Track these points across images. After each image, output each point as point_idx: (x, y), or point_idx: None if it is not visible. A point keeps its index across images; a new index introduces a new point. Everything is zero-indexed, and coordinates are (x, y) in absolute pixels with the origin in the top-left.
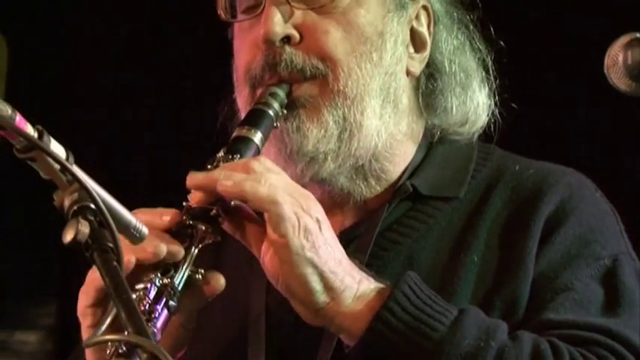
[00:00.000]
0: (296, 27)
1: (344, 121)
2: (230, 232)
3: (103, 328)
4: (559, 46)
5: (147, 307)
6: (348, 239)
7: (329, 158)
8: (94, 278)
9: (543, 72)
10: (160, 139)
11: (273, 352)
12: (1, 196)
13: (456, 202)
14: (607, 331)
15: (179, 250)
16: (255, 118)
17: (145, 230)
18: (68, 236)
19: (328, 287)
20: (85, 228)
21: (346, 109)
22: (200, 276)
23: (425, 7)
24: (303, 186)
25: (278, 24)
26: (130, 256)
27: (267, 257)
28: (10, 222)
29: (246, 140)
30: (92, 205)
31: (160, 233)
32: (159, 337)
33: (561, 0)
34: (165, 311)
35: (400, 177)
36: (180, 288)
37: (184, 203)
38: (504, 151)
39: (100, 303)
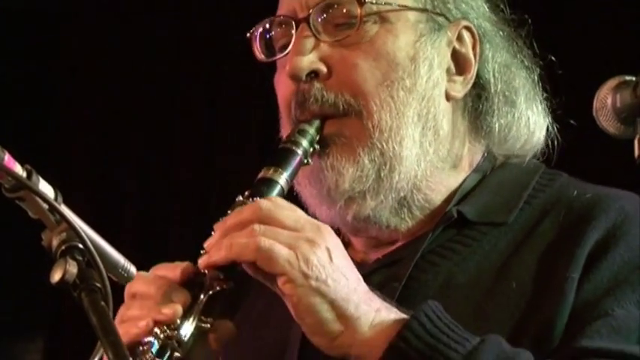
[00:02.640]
0: (324, 61)
1: (382, 156)
2: (252, 274)
3: None
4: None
5: None
6: (390, 262)
7: (368, 197)
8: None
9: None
10: (149, 176)
11: None
12: None
13: (503, 228)
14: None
15: (185, 302)
16: (282, 157)
17: (133, 270)
18: (56, 276)
19: (340, 315)
20: (73, 268)
21: (384, 144)
22: (209, 325)
23: (468, 28)
24: (353, 228)
25: (303, 59)
26: (148, 320)
27: (286, 299)
28: None
29: (270, 182)
30: (80, 245)
31: (169, 284)
32: None
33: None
34: None
35: (448, 202)
36: (186, 339)
37: (201, 251)
38: (572, 178)
39: None
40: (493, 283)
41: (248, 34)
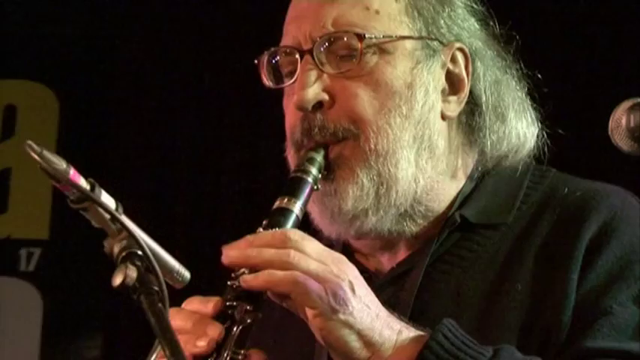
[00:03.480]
0: (327, 91)
1: (379, 177)
2: (277, 301)
3: None
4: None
5: None
6: (401, 272)
7: (369, 213)
8: None
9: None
10: (199, 186)
11: None
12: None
13: (504, 229)
14: (637, 357)
15: (218, 335)
16: (295, 187)
17: (187, 274)
18: (117, 280)
19: (367, 343)
20: (132, 273)
21: (380, 166)
22: (242, 357)
23: (461, 49)
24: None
25: (309, 92)
26: (187, 354)
27: (314, 329)
28: (63, 267)
29: (286, 212)
30: (139, 252)
31: (204, 319)
32: None
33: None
34: None
35: (450, 208)
36: None
37: (228, 282)
38: (561, 172)
39: None
40: (499, 286)
41: (255, 61)
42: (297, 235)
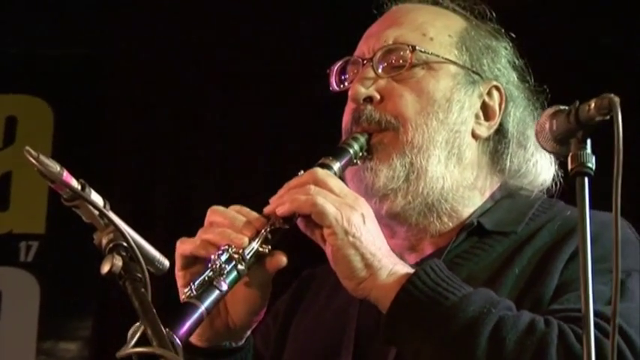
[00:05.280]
0: (378, 91)
1: (411, 166)
2: (304, 230)
3: (133, 342)
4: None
5: (218, 266)
6: None
7: (399, 195)
8: (181, 249)
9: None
10: (177, 187)
11: (359, 354)
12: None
13: (513, 236)
14: (598, 313)
15: (251, 234)
16: (337, 152)
17: (166, 263)
18: (105, 268)
19: (367, 265)
20: (118, 262)
21: (413, 157)
22: (267, 251)
23: (497, 88)
24: (386, 225)
25: (362, 87)
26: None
27: (327, 248)
28: (58, 258)
29: (326, 166)
30: (124, 244)
31: (240, 220)
32: (225, 287)
33: None
34: (235, 272)
35: (471, 217)
36: (248, 257)
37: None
38: (568, 205)
39: (187, 266)
40: (501, 270)
41: (328, 71)
42: (323, 172)
